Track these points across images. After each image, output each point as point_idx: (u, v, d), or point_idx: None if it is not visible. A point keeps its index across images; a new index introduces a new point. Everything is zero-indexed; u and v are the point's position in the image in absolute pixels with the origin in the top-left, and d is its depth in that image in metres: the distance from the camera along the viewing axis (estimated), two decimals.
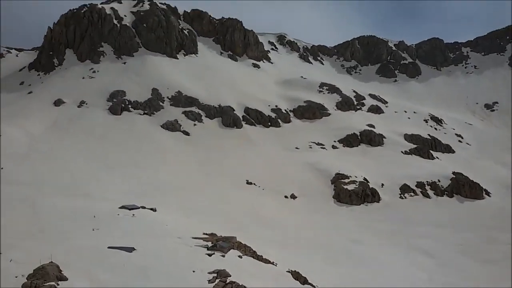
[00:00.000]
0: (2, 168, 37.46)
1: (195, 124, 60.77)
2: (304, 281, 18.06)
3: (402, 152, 59.23)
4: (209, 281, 17.21)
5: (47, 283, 17.52)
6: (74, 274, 18.64)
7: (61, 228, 25.33)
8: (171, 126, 58.17)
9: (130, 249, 21.31)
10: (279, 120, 68.14)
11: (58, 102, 60.17)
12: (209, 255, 20.21)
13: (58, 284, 17.76)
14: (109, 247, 21.72)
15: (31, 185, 33.66)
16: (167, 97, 65.49)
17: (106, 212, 28.03)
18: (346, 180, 46.06)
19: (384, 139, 63.06)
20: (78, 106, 59.92)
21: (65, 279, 18.24)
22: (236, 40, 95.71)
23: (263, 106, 69.56)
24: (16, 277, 17.71)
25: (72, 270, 18.86)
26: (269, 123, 66.60)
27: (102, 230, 25.64)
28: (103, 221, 26.80)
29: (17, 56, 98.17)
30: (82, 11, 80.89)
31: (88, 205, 29.05)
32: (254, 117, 66.56)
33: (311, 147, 59.31)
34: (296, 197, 43.73)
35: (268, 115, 67.82)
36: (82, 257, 20.45)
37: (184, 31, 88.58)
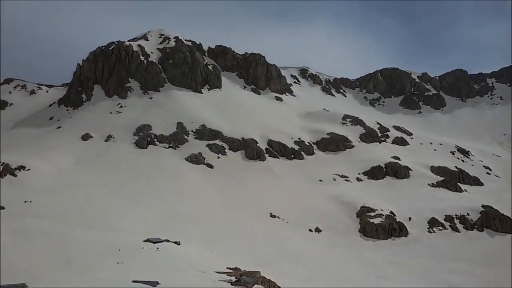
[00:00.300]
0: (30, 202, 38.30)
1: (218, 157, 61.21)
2: None
3: (429, 184, 58.04)
4: None
5: None
6: None
7: (87, 260, 25.52)
8: (195, 159, 58.72)
9: (154, 283, 21.22)
10: (302, 152, 68.03)
11: (86, 137, 61.69)
12: None
13: None
14: (133, 281, 21.68)
15: (58, 218, 34.16)
16: (192, 131, 66.44)
17: (131, 245, 28.15)
18: (372, 214, 45.21)
19: (410, 171, 62.05)
20: (105, 140, 61.28)
21: None
22: (259, 74, 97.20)
23: (286, 139, 69.73)
24: None
25: None
26: (292, 156, 66.54)
27: (126, 263, 25.70)
28: (128, 254, 26.90)
29: (47, 92, 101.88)
30: (110, 48, 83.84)
31: (114, 238, 29.25)
32: (277, 149, 66.68)
33: (335, 180, 58.77)
34: (320, 231, 43.07)
35: (291, 148, 67.85)
36: None
37: (209, 66, 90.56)
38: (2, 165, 46.07)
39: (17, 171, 46.20)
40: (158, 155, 58.53)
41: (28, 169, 46.88)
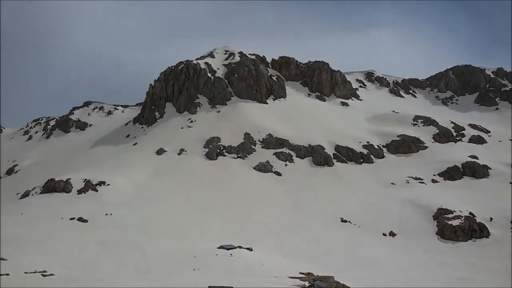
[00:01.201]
0: (111, 214, 40.84)
1: (286, 165, 61.50)
2: None
3: (510, 183, 54.31)
4: None
5: None
6: None
7: (166, 268, 26.81)
8: (263, 168, 59.48)
9: None
10: (371, 156, 66.42)
11: (160, 151, 64.69)
12: None
13: None
14: (209, 287, 22.51)
15: (137, 229, 36.13)
16: (259, 140, 67.40)
17: (205, 252, 29.17)
18: (450, 215, 43.11)
19: (489, 170, 58.43)
20: (178, 154, 63.86)
21: None
22: (323, 81, 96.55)
23: (354, 143, 68.55)
24: None
25: None
26: (361, 160, 65.18)
27: (202, 269, 26.67)
28: (203, 261, 27.89)
29: (123, 112, 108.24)
30: (179, 68, 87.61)
31: (189, 246, 30.47)
32: (345, 154, 65.68)
33: (408, 182, 56.77)
34: (395, 235, 41.79)
35: (360, 152, 66.51)
36: None
37: (273, 77, 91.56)
38: (84, 181, 49.56)
39: (98, 186, 49.43)
40: (227, 165, 60.02)
41: (108, 184, 49.99)
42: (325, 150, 65.23)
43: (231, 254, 28.58)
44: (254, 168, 59.57)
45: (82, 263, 27.08)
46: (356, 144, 68.55)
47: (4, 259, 26.01)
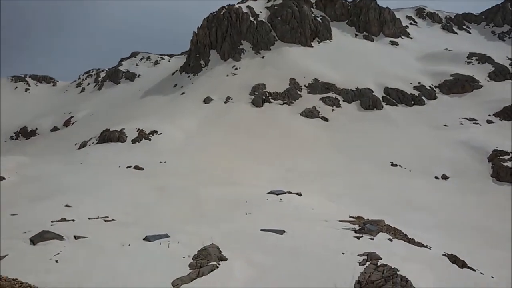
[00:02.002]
0: (165, 162, 42.36)
1: (333, 109, 60.67)
2: (462, 264, 16.97)
3: None
4: (360, 263, 17.29)
5: (210, 263, 19.59)
6: (232, 255, 20.46)
7: (218, 213, 27.84)
8: (310, 113, 59.01)
9: (281, 231, 22.51)
10: (423, 97, 64.12)
11: (207, 100, 65.50)
12: (358, 237, 20.24)
13: (219, 264, 19.76)
14: (261, 230, 23.26)
15: (190, 176, 37.40)
16: (304, 86, 66.48)
17: (256, 198, 29.93)
18: (506, 157, 41.50)
19: None
20: (225, 102, 64.42)
21: (225, 259, 20.14)
22: (371, 20, 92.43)
23: (404, 85, 66.18)
24: (184, 257, 20.12)
25: (230, 251, 20.73)
26: (412, 102, 63.13)
27: (253, 214, 27.49)
28: (254, 206, 28.68)
29: (169, 61, 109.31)
30: (222, 13, 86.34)
31: (240, 192, 31.33)
32: (395, 96, 63.73)
33: (462, 124, 54.68)
34: (447, 178, 40.90)
35: (411, 93, 64.30)
36: (238, 239, 22.29)
37: (317, 18, 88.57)
38: (137, 131, 51.32)
39: (151, 135, 51.12)
40: (274, 112, 60.01)
41: (160, 133, 51.56)
42: (373, 93, 63.56)
43: (280, 199, 29.16)
44: (300, 114, 59.22)
45: (140, 208, 28.61)
46: (407, 85, 66.19)
47: (69, 206, 27.96)
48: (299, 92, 65.09)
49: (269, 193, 30.82)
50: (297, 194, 30.74)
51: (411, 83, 66.75)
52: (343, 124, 56.31)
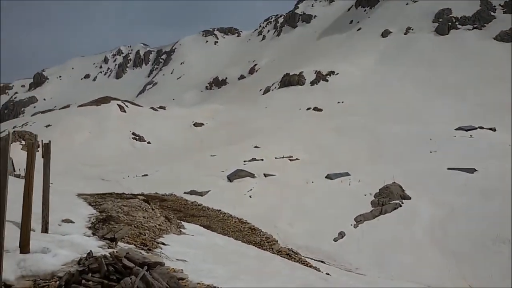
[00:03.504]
0: (343, 102, 42.65)
1: None
2: None
3: None
4: None
5: (392, 201, 19.65)
6: (416, 194, 20.06)
7: (399, 151, 27.21)
8: (506, 36, 50.87)
9: (471, 170, 21.02)
10: None
11: (385, 33, 62.19)
12: None
13: (402, 203, 19.64)
14: (448, 168, 22.06)
15: (368, 115, 36.97)
16: (499, 5, 57.18)
17: (441, 135, 28.18)
18: None
19: None
20: (405, 34, 60.20)
21: (408, 198, 19.90)
22: None
23: None
24: (365, 195, 20.58)
25: (414, 190, 20.34)
26: None
27: (439, 152, 26.07)
28: (440, 144, 27.12)
29: None
30: None
31: (423, 129, 29.81)
32: None
33: None
34: None
35: None
36: (422, 178, 21.62)
37: None
38: (315, 73, 52.29)
39: (328, 76, 51.53)
40: (462, 39, 53.64)
41: (337, 74, 51.53)
42: None
43: (471, 135, 26.94)
44: (494, 38, 51.47)
45: (321, 148, 29.83)
46: None
47: (257, 147, 30.84)
48: (492, 13, 56.48)
49: (457, 129, 28.65)
50: (490, 129, 27.88)
51: None
52: None
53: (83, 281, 2.78)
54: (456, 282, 13.22)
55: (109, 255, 3.18)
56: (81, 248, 3.76)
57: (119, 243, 4.47)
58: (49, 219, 4.30)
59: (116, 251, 3.45)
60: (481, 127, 28.18)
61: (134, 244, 4.82)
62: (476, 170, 20.66)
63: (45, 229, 4.32)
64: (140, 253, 4.27)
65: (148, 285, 2.44)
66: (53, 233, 4.34)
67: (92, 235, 4.72)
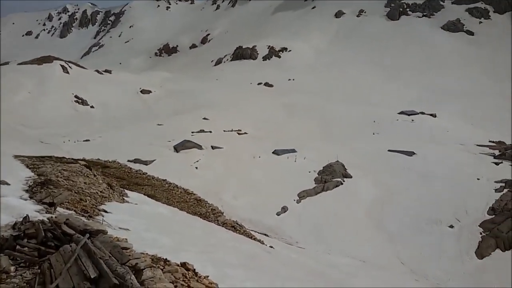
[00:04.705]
0: (293, 80, 42.90)
1: (480, 22, 53.64)
2: None
3: None
4: (496, 190, 16.33)
5: (335, 179, 20.22)
6: (357, 173, 20.72)
7: (345, 132, 27.90)
8: (453, 27, 53.06)
9: (410, 153, 21.95)
10: None
11: (338, 14, 62.72)
12: (496, 164, 18.93)
13: (344, 181, 20.27)
14: (389, 150, 22.92)
15: (318, 94, 37.49)
16: None
17: (385, 118, 29.14)
18: None
19: None
20: (357, 16, 61.06)
21: (349, 176, 20.55)
22: None
23: None
24: (309, 172, 21.04)
25: (355, 169, 21.00)
26: None
27: (382, 134, 26.99)
28: (383, 126, 28.06)
29: None
30: None
31: (369, 111, 30.68)
32: None
33: None
34: None
35: None
36: (364, 159, 22.35)
37: None
38: (268, 48, 52.07)
39: (281, 52, 51.50)
40: (411, 25, 55.29)
41: (290, 50, 51.61)
42: None
43: (412, 120, 28.04)
44: (441, 27, 53.52)
45: (270, 124, 29.96)
46: None
47: (206, 119, 30.48)
48: (441, 3, 58.50)
49: (399, 113, 29.71)
50: (431, 115, 29.14)
51: None
52: (491, 40, 49.80)
53: (18, 246, 2.56)
54: (390, 259, 13.87)
55: (47, 220, 2.96)
56: (16, 211, 3.49)
57: (58, 209, 4.22)
58: None
59: (55, 217, 3.22)
60: (423, 113, 29.37)
61: (74, 210, 4.57)
62: (415, 154, 21.56)
63: None
64: (81, 219, 4.06)
65: (89, 253, 2.28)
66: None
67: (29, 198, 4.42)
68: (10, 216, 3.34)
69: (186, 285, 2.70)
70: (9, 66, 51.55)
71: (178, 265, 3.18)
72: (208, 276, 3.37)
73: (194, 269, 3.28)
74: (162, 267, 2.95)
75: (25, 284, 2.29)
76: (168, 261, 3.29)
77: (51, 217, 3.13)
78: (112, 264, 2.18)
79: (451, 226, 15.40)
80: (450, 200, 16.86)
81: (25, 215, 3.14)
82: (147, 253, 3.58)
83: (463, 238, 14.56)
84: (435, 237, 14.85)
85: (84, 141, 26.08)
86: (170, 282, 2.63)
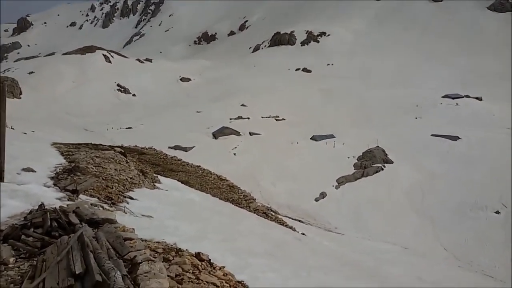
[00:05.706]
0: (332, 64, 42.10)
1: None
2: None
3: None
4: None
5: (375, 165, 19.78)
6: (398, 158, 20.17)
7: (385, 116, 27.11)
8: (500, 6, 49.86)
9: (455, 138, 21.10)
10: None
11: None
12: None
13: (384, 166, 19.77)
14: (432, 135, 22.12)
15: (358, 78, 36.61)
16: None
17: (428, 102, 28.07)
18: None
19: None
20: None
21: (391, 162, 20.04)
22: None
23: None
24: (348, 157, 20.68)
25: (396, 154, 20.45)
26: None
27: (424, 118, 26.05)
28: (426, 110, 27.06)
29: None
30: None
31: (411, 95, 29.65)
32: None
33: None
34: None
35: None
36: (405, 143, 21.70)
37: None
38: (306, 33, 51.17)
39: (319, 37, 50.48)
40: (456, 7, 52.46)
41: (329, 35, 50.48)
42: None
43: (456, 104, 26.91)
44: (488, 8, 50.43)
45: (308, 109, 29.58)
46: None
47: (244, 105, 30.45)
48: None
49: (443, 96, 28.54)
50: (476, 98, 27.81)
51: None
52: None
53: (23, 236, 2.53)
54: (432, 246, 13.47)
55: (58, 208, 2.92)
56: (35, 199, 3.50)
57: (81, 196, 4.23)
58: (5, 167, 3.98)
59: (67, 205, 3.19)
60: (467, 96, 28.11)
61: (98, 198, 4.57)
62: (459, 138, 20.73)
63: None
64: (102, 207, 4.04)
65: (82, 245, 2.19)
66: (9, 182, 4.06)
67: (53, 185, 4.45)
68: (28, 204, 3.35)
69: (194, 277, 2.58)
70: (54, 57, 53.39)
71: (192, 255, 3.08)
72: (224, 267, 3.26)
73: (209, 260, 3.18)
74: (172, 258, 2.85)
75: (19, 277, 2.24)
76: (181, 250, 3.20)
77: (62, 205, 3.10)
78: (102, 258, 2.08)
79: (497, 212, 14.81)
80: (496, 186, 16.16)
81: (40, 203, 3.12)
82: (164, 242, 3.51)
83: (510, 224, 13.95)
84: (480, 223, 14.34)
85: (126, 128, 26.75)
86: (175, 275, 2.52)
